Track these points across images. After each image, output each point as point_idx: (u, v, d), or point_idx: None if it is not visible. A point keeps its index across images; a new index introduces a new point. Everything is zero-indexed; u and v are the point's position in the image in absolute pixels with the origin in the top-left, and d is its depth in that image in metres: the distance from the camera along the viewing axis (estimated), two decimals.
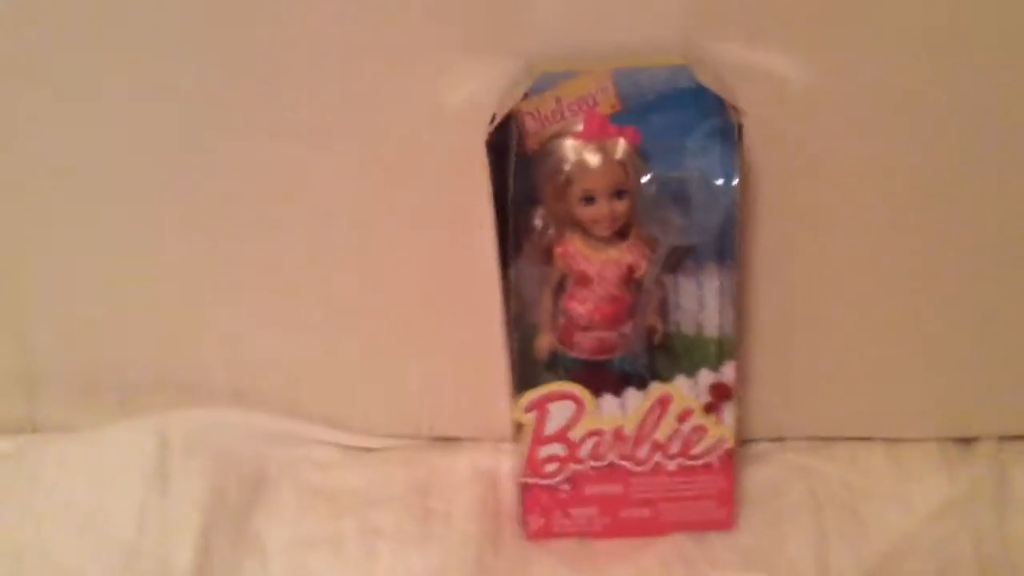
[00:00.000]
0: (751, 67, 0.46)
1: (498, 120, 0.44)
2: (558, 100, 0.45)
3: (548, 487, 0.51)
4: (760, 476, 0.55)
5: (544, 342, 0.50)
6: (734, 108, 0.44)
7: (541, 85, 0.45)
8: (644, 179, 0.45)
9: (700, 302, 0.49)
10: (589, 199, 0.46)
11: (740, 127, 0.44)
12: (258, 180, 0.52)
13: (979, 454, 0.56)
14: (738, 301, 0.50)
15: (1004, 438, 0.56)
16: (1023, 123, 0.48)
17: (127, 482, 0.54)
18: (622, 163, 0.45)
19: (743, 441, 0.57)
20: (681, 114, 0.45)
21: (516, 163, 0.45)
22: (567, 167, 0.45)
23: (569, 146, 0.45)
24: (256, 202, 0.53)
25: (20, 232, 0.55)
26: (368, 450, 0.58)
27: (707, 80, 0.44)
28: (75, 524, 0.52)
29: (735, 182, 0.45)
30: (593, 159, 0.45)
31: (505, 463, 0.55)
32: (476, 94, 0.47)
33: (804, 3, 0.45)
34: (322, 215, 0.53)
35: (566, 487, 0.51)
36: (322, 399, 0.58)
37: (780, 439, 0.58)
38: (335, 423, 0.58)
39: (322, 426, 0.58)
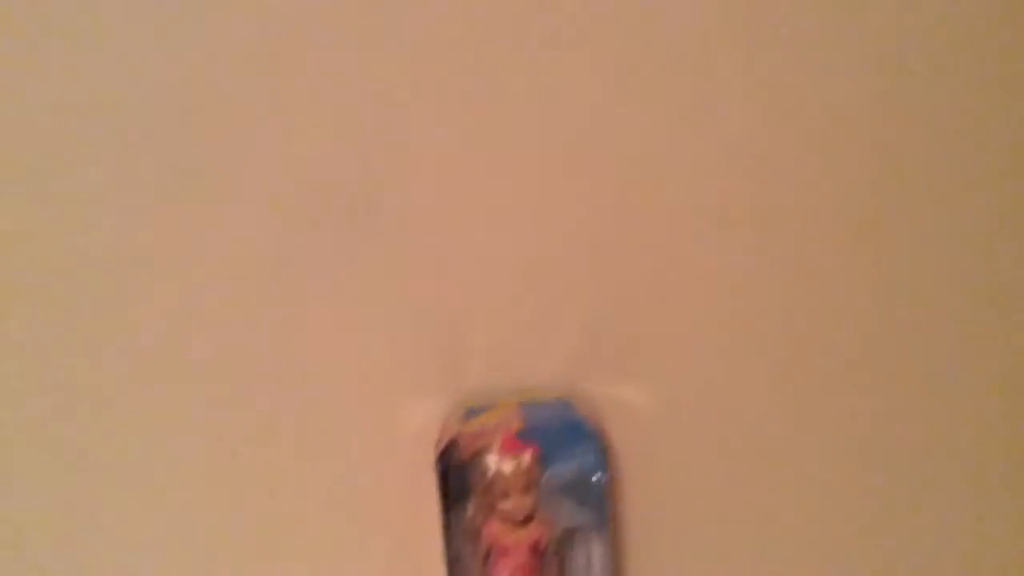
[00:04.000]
0: (615, 399, 0.65)
1: (444, 442, 0.64)
2: (482, 425, 0.65)
3: None
4: None
5: None
6: (600, 427, 0.65)
7: (470, 414, 0.65)
8: (544, 479, 0.65)
9: (589, 565, 0.67)
10: (505, 495, 0.64)
11: (607, 440, 0.64)
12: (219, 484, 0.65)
13: None
14: (616, 561, 0.68)
15: None
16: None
17: None
18: (528, 469, 0.64)
19: None
20: (566, 432, 0.64)
21: (453, 470, 0.64)
22: (490, 473, 0.64)
23: (491, 458, 0.64)
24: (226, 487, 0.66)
25: None
26: None
27: (584, 409, 0.65)
28: None
29: (606, 478, 0.65)
30: (508, 467, 0.64)
31: None
32: (425, 422, 0.65)
33: (650, 357, 0.65)
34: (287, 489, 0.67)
35: None
36: None
37: None
38: None
39: None
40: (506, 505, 0.64)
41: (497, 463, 0.64)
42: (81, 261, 0.62)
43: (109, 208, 0.61)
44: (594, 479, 0.64)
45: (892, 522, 0.67)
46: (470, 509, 0.65)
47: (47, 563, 0.65)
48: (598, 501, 0.64)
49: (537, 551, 0.66)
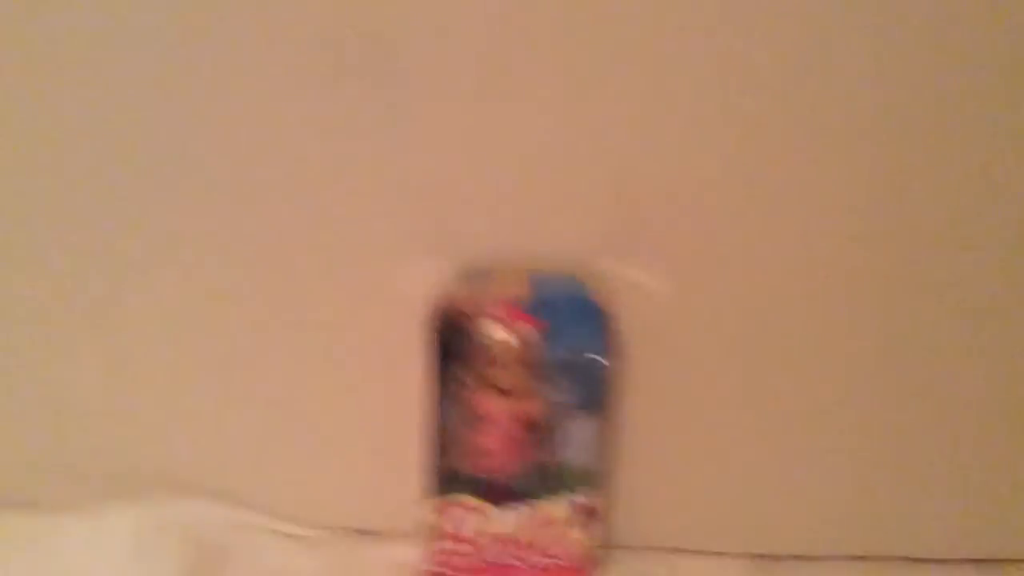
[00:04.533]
0: (625, 279, 0.60)
1: (439, 301, 0.60)
2: (484, 290, 0.61)
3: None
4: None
5: (458, 463, 0.65)
6: (608, 305, 0.61)
7: (472, 279, 0.61)
8: (542, 353, 0.62)
9: (581, 443, 0.65)
10: (501, 365, 0.61)
11: (613, 318, 0.61)
12: (224, 307, 0.63)
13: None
14: (607, 442, 0.66)
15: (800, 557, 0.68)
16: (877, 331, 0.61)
17: (111, 555, 0.66)
18: (527, 341, 0.61)
19: (608, 548, 0.72)
20: (571, 308, 0.60)
21: (448, 333, 0.61)
22: (487, 341, 0.61)
23: (490, 325, 0.61)
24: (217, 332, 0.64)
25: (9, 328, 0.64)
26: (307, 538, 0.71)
27: (593, 288, 0.61)
28: None
29: (607, 358, 0.62)
30: (506, 336, 0.61)
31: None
32: (424, 284, 0.61)
33: (664, 236, 0.60)
34: (276, 360, 0.65)
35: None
36: (269, 492, 0.70)
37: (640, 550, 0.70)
38: (283, 515, 0.70)
39: (269, 516, 0.71)
40: (500, 375, 0.61)
41: (496, 331, 0.61)
42: None
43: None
44: (597, 360, 0.61)
45: (915, 410, 0.64)
46: (462, 376, 0.62)
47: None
48: (598, 383, 0.61)
49: (527, 425, 0.63)
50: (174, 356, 0.64)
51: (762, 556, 0.69)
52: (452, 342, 0.61)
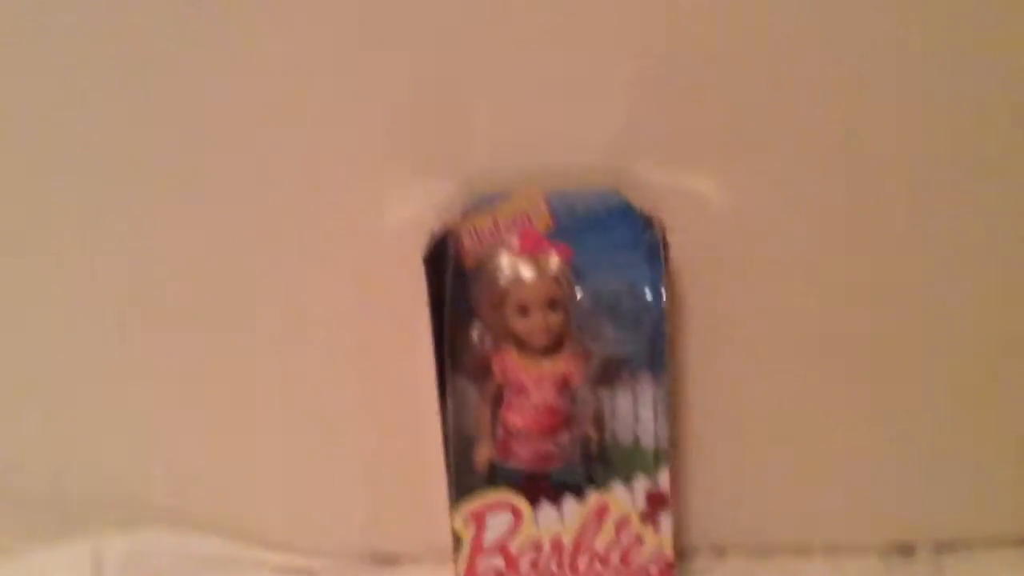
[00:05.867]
0: (675, 189, 0.49)
1: (436, 235, 0.47)
2: (494, 219, 0.48)
3: None
4: None
5: (482, 454, 0.51)
6: (661, 226, 0.47)
7: (479, 205, 0.48)
8: (577, 293, 0.48)
9: (636, 413, 0.51)
10: (524, 311, 0.48)
11: (666, 243, 0.47)
12: (195, 293, 0.53)
13: (919, 562, 0.57)
14: (672, 411, 0.51)
15: (941, 544, 0.57)
16: (940, 225, 0.51)
17: None
18: (555, 277, 0.47)
19: (683, 554, 0.58)
20: (611, 233, 0.48)
21: (454, 278, 0.47)
22: (502, 280, 0.47)
23: (505, 260, 0.47)
24: (194, 317, 0.54)
25: None
26: (308, 572, 0.58)
27: (635, 200, 0.47)
28: None
29: (663, 296, 0.48)
30: (527, 272, 0.47)
31: None
32: (417, 214, 0.49)
33: (721, 130, 0.49)
34: (263, 332, 0.54)
35: None
36: (260, 519, 0.58)
37: (721, 551, 0.58)
38: (274, 544, 0.58)
39: (261, 548, 0.57)
40: (524, 325, 0.48)
41: (513, 267, 0.47)
42: None
43: None
44: (647, 297, 0.48)
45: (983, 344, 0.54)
46: (475, 333, 0.49)
47: None
48: (651, 326, 0.48)
49: (566, 390, 0.49)
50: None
51: (896, 547, 0.57)
52: (459, 288, 0.47)
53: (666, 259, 0.47)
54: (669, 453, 0.50)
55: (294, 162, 0.50)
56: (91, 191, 0.52)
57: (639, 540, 0.50)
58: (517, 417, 0.50)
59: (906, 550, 0.58)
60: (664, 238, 0.47)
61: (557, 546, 0.50)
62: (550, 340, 0.48)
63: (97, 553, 0.54)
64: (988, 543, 0.57)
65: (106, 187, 0.52)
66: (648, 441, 0.50)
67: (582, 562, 0.50)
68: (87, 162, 0.51)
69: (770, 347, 0.53)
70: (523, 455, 0.50)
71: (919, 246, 0.51)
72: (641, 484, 0.50)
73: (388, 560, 0.58)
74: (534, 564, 0.50)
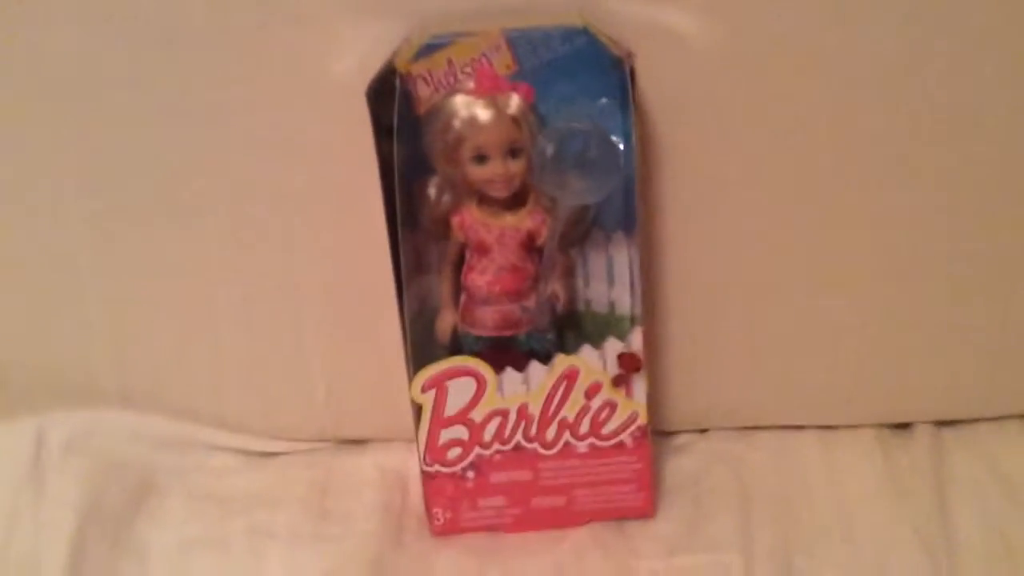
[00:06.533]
0: (650, 25, 0.45)
1: (381, 72, 0.42)
2: (450, 61, 0.43)
3: (453, 476, 0.48)
4: (682, 465, 0.52)
5: (445, 322, 0.47)
6: (630, 60, 0.43)
7: (432, 46, 0.43)
8: (540, 138, 0.43)
9: (611, 278, 0.47)
10: (482, 158, 0.43)
11: (633, 72, 0.42)
12: (143, 165, 0.49)
13: (916, 439, 0.53)
14: (646, 272, 0.48)
15: (941, 423, 0.54)
16: (938, 82, 0.47)
17: None
18: (515, 119, 0.43)
19: (664, 433, 0.54)
20: (578, 74, 0.43)
21: (407, 127, 0.43)
22: (457, 124, 0.43)
23: (459, 102, 0.43)
24: (142, 190, 0.50)
25: None
26: (269, 454, 0.55)
27: (603, 39, 0.43)
28: None
29: (633, 140, 0.43)
30: (484, 114, 0.43)
31: (414, 464, 0.52)
32: (365, 59, 0.45)
33: None
34: (212, 205, 0.50)
35: (471, 475, 0.48)
36: (218, 402, 0.55)
37: (703, 430, 0.55)
38: (233, 427, 0.55)
39: (219, 430, 0.54)
40: (483, 174, 0.44)
41: (468, 108, 0.43)
42: None
43: None
44: (616, 142, 0.43)
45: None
46: (432, 189, 0.44)
47: None
48: (622, 175, 0.43)
49: (530, 248, 0.45)
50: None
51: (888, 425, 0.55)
52: (412, 139, 0.43)
53: (635, 98, 0.43)
54: (642, 314, 0.46)
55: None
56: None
57: (611, 406, 0.46)
58: (480, 278, 0.46)
59: (903, 427, 0.54)
60: (633, 73, 0.43)
61: (523, 414, 0.46)
62: (511, 190, 0.44)
63: (41, 431, 0.51)
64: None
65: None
66: (624, 309, 0.46)
67: (550, 432, 0.47)
68: None
69: (755, 203, 0.49)
70: (488, 321, 0.46)
71: (917, 91, 0.47)
72: (613, 347, 0.46)
73: (352, 443, 0.55)
74: (499, 434, 0.47)
